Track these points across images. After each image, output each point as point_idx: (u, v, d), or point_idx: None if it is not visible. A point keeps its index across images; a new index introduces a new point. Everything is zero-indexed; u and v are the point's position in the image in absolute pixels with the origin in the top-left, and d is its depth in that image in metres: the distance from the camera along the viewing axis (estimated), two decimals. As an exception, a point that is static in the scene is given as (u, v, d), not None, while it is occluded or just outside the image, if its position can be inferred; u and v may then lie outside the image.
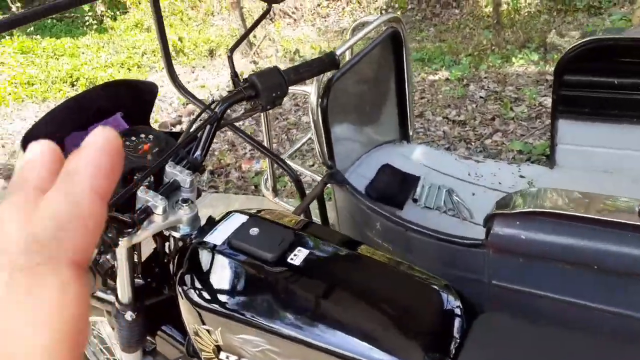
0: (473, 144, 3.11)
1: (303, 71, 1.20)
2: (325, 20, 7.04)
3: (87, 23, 7.29)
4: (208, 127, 1.11)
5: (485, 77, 3.96)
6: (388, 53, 1.90)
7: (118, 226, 0.92)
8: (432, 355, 0.85)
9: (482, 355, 0.85)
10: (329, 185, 1.74)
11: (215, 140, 3.63)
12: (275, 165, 1.83)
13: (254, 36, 6.42)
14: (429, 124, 3.40)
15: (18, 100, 5.08)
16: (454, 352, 0.87)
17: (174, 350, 1.36)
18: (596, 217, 1.05)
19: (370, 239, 1.50)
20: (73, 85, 5.30)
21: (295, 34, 6.67)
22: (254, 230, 1.00)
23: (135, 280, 1.15)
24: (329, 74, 1.50)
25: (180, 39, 6.43)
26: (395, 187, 1.87)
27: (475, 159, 2.06)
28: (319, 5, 7.12)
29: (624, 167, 1.74)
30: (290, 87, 1.41)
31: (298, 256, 0.97)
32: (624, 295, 1.09)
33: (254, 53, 5.99)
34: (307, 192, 1.58)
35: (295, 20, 7.31)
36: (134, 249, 1.12)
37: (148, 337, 1.29)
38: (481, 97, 3.64)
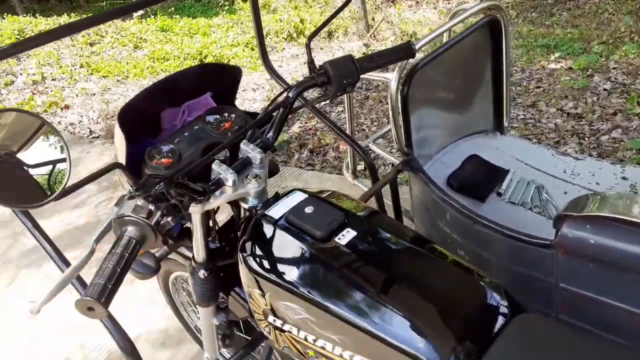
0: (587, 139, 2.88)
1: (377, 59, 1.23)
2: (449, 3, 6.82)
3: (220, 4, 7.78)
4: (281, 109, 1.19)
5: (614, 68, 3.61)
6: (485, 40, 1.83)
7: (190, 194, 1.04)
8: (461, 348, 0.86)
9: (508, 353, 0.84)
10: (406, 172, 1.76)
11: (317, 120, 3.75)
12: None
13: (373, 19, 6.42)
14: (540, 115, 3.20)
15: (154, 74, 5.61)
16: (484, 347, 0.87)
17: (243, 310, 1.48)
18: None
19: (440, 228, 1.50)
20: (201, 62, 5.73)
21: (416, 16, 6.55)
22: (310, 209, 1.07)
23: (211, 243, 1.28)
24: (412, 61, 1.51)
25: (302, 21, 6.64)
26: (480, 178, 1.82)
27: (574, 156, 1.93)
28: (442, -14, 6.91)
29: None
30: (371, 74, 1.44)
31: (345, 237, 1.01)
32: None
33: (371, 35, 6.01)
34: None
35: (417, 2, 7.17)
36: (208, 214, 1.25)
37: (221, 295, 1.42)
38: (605, 90, 3.34)
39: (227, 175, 1.08)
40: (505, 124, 1.99)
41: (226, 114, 1.32)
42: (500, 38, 1.82)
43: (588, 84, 3.43)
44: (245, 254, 1.07)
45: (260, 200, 1.14)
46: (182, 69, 1.38)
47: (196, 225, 1.20)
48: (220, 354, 2.01)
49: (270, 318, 1.05)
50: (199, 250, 1.27)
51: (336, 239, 1.01)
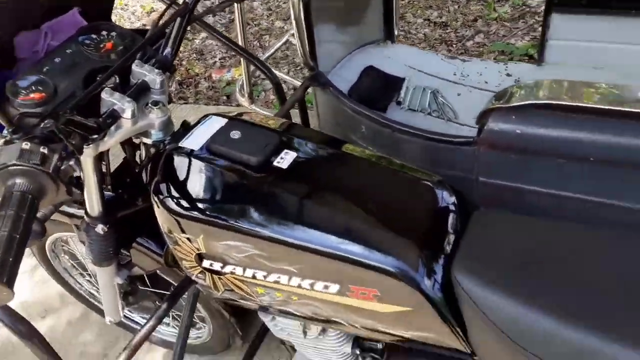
0: (454, 46, 2.99)
1: None
2: None
3: None
4: (178, 20, 0.99)
5: (468, -24, 3.75)
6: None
7: (82, 132, 0.83)
8: (428, 253, 0.81)
9: (478, 252, 0.81)
10: (309, 90, 1.64)
11: (181, 48, 3.43)
12: (252, 69, 1.70)
13: None
14: (409, 27, 3.24)
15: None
16: (449, 249, 0.83)
17: (150, 261, 1.31)
18: (598, 106, 0.99)
19: (354, 142, 1.43)
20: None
21: None
22: (235, 134, 0.92)
23: (105, 193, 1.07)
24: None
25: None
26: (379, 89, 1.78)
27: (461, 58, 1.96)
28: None
29: (615, 62, 1.67)
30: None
31: (285, 159, 0.89)
32: (620, 186, 1.06)
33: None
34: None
35: None
36: (101, 158, 1.03)
37: (122, 250, 1.23)
38: (464, -4, 3.47)
39: (124, 104, 0.87)
40: (396, 32, 1.95)
41: (105, 33, 1.07)
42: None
43: (447, -8, 3.53)
44: (162, 196, 0.90)
45: (167, 132, 0.95)
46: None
47: (88, 171, 0.98)
48: (124, 315, 1.82)
49: (206, 262, 0.91)
50: (93, 202, 1.05)
51: (275, 163, 0.88)
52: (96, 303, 1.81)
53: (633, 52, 1.66)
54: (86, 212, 1.09)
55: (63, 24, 1.07)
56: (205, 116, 0.99)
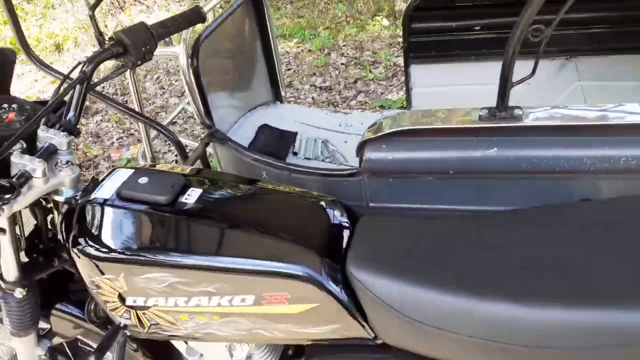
0: (340, 106, 3.30)
1: (170, 25, 1.22)
2: (181, 5, 6.86)
3: None
4: (78, 87, 1.09)
5: (344, 46, 4.18)
6: (251, 16, 1.96)
7: None
8: (325, 257, 0.95)
9: (365, 248, 0.96)
10: (209, 149, 1.78)
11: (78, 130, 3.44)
12: (152, 137, 1.81)
13: (105, 26, 6.07)
14: (298, 93, 3.52)
15: None
16: (343, 252, 0.97)
17: (72, 326, 1.32)
18: (443, 127, 1.22)
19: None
20: None
21: (150, 20, 6.42)
22: (143, 179, 1.02)
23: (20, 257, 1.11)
24: (195, 35, 1.54)
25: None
26: (275, 144, 1.95)
27: (343, 112, 2.22)
28: (171, -11, 6.90)
29: (471, 101, 1.99)
30: (158, 50, 1.42)
31: (191, 195, 1.01)
32: (477, 193, 1.28)
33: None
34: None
35: (147, 6, 7.02)
36: (15, 220, 1.08)
37: (42, 318, 1.24)
38: (342, 64, 3.85)
39: (34, 164, 0.95)
40: (283, 93, 2.17)
41: (5, 105, 1.15)
42: (263, 14, 1.97)
43: (328, 61, 3.90)
44: (80, 247, 0.97)
45: (78, 189, 1.04)
46: None
47: (3, 234, 1.04)
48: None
49: (130, 300, 0.98)
50: (9, 265, 1.09)
51: (182, 199, 1.00)
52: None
53: (484, 91, 1.99)
54: (1, 277, 1.12)
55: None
56: (113, 169, 1.08)
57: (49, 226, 1.17)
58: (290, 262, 0.92)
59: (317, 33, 4.71)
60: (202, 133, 2.73)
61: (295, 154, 1.95)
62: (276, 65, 2.10)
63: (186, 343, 1.24)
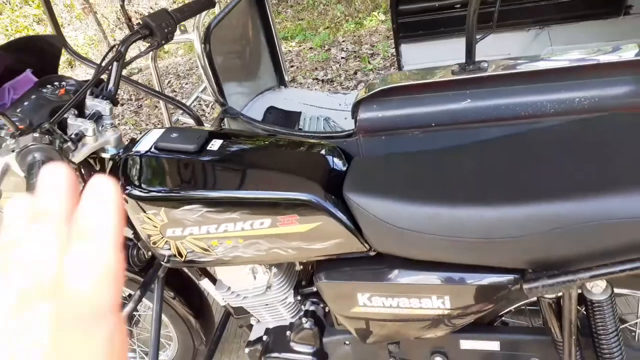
0: (342, 95, 3.51)
1: (186, 10, 1.45)
2: None
3: None
4: (115, 64, 1.32)
5: (343, 41, 4.40)
6: (253, 7, 2.18)
7: (61, 140, 1.12)
8: (327, 186, 1.16)
9: (359, 177, 1.17)
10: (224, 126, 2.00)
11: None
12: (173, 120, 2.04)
13: (114, 39, 6.36)
14: (301, 87, 3.74)
15: None
16: (341, 182, 1.18)
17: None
18: (423, 82, 1.42)
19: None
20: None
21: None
22: (174, 134, 1.24)
23: None
24: (207, 23, 1.77)
25: None
26: (281, 122, 2.17)
27: (342, 92, 2.43)
28: None
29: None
30: (176, 37, 1.65)
31: (215, 145, 1.23)
32: (457, 144, 1.47)
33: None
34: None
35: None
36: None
37: None
38: (342, 58, 4.07)
39: (86, 124, 1.18)
40: (286, 78, 2.39)
41: (56, 82, 1.38)
42: (264, 4, 2.20)
43: (328, 56, 4.12)
44: (127, 191, 1.18)
45: (120, 147, 1.27)
46: (-3, 46, 1.37)
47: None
48: None
49: (169, 231, 1.19)
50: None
51: (208, 148, 1.22)
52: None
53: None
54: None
55: (20, 82, 1.37)
56: (148, 130, 1.31)
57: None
58: (298, 191, 1.13)
59: (317, 33, 4.94)
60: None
61: (300, 129, 2.16)
62: (279, 53, 2.32)
63: (214, 284, 1.46)
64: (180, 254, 1.24)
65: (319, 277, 1.21)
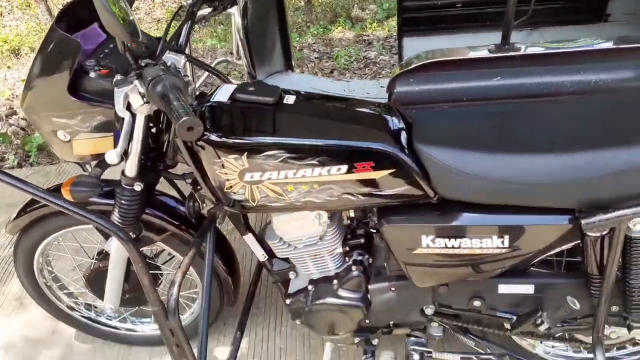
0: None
1: None
2: None
3: None
4: (189, 22, 1.41)
5: (314, 43, 4.55)
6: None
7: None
8: (397, 138, 1.28)
9: (425, 133, 1.30)
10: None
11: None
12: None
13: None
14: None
15: None
16: (409, 135, 1.31)
17: (156, 232, 1.58)
18: (463, 57, 1.59)
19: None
20: None
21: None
22: (251, 87, 1.33)
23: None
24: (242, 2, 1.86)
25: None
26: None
27: (344, 80, 2.57)
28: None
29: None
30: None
31: (289, 99, 1.33)
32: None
33: None
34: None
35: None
36: (148, 125, 1.34)
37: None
38: (316, 58, 4.22)
39: (179, 56, 1.31)
40: (293, 63, 2.50)
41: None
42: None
43: (302, 55, 4.26)
44: (206, 137, 1.24)
45: (193, 99, 1.34)
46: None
47: (139, 130, 1.30)
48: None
49: (248, 176, 1.26)
50: (134, 161, 1.35)
51: (284, 101, 1.31)
52: (76, 316, 1.91)
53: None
54: (123, 173, 1.38)
55: (90, 34, 1.40)
56: (218, 87, 1.38)
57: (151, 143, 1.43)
58: (374, 141, 1.25)
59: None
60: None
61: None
62: (289, 40, 2.42)
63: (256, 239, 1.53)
64: (253, 199, 1.31)
65: (384, 222, 1.33)
